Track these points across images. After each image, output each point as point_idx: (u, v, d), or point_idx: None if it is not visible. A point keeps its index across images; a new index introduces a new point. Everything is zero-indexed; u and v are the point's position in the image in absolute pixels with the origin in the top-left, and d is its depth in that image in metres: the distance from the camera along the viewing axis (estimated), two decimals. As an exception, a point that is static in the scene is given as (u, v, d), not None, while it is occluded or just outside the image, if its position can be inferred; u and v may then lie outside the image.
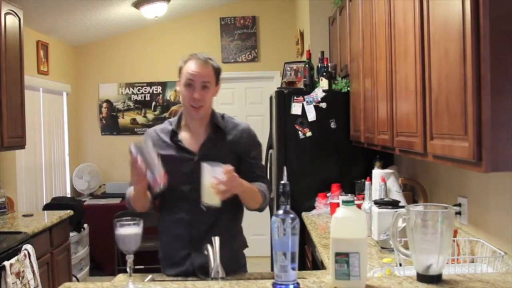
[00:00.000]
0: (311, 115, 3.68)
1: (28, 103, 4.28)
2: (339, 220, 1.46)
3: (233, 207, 2.02)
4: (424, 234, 1.44)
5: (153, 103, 6.27)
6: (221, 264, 1.73)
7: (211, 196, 1.80)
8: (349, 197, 1.95)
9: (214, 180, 1.76)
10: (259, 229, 5.30)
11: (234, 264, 2.04)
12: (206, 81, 2.00)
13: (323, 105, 3.68)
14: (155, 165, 1.79)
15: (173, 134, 2.06)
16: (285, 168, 1.52)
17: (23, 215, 3.98)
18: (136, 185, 1.88)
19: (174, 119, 2.12)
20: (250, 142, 2.11)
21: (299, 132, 3.68)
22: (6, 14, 3.73)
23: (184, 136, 2.07)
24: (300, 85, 4.20)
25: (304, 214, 3.52)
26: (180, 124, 2.10)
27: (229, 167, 1.80)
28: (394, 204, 2.56)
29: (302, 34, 5.31)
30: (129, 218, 1.50)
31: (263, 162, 2.74)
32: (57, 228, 3.90)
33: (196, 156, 2.01)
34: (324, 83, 3.79)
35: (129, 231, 1.48)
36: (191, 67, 2.00)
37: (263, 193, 2.03)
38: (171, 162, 1.97)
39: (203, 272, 1.93)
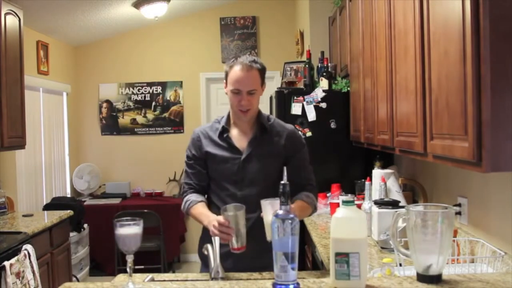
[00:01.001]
0: (311, 115, 3.68)
1: (28, 103, 4.28)
2: (339, 220, 1.46)
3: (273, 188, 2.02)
4: (424, 234, 1.44)
5: (153, 103, 6.27)
6: (264, 260, 1.80)
7: None
8: (349, 197, 1.95)
9: None
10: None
11: (271, 261, 2.02)
12: (252, 89, 2.05)
13: (323, 105, 3.68)
14: (242, 236, 1.84)
15: (224, 130, 2.14)
16: (285, 168, 1.53)
17: (23, 215, 3.98)
18: (214, 236, 1.86)
19: (222, 118, 2.20)
20: (295, 144, 2.17)
21: (299, 132, 3.68)
22: (6, 14, 3.73)
23: (233, 133, 2.16)
24: (300, 85, 4.20)
25: (304, 214, 3.51)
26: (230, 122, 2.18)
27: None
28: (394, 204, 2.56)
29: (302, 34, 5.31)
30: (129, 218, 1.50)
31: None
32: (57, 228, 3.90)
33: (242, 155, 2.10)
34: (324, 83, 3.79)
35: (129, 231, 1.48)
36: (237, 75, 2.05)
37: (312, 204, 2.14)
38: (218, 161, 2.10)
39: (240, 267, 1.96)
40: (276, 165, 2.08)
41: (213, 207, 2.13)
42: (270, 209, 1.78)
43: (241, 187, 2.08)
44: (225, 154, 2.11)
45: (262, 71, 2.11)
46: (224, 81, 2.14)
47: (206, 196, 2.20)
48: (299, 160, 2.16)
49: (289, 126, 2.22)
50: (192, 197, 2.13)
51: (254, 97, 2.07)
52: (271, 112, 4.26)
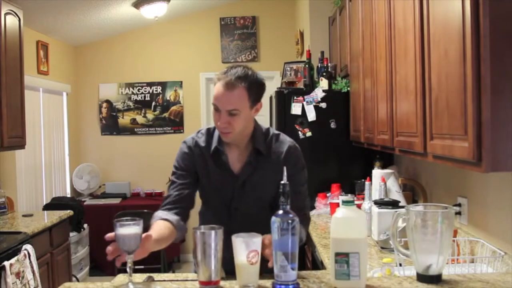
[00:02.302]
0: (311, 115, 3.68)
1: (28, 103, 4.28)
2: (339, 220, 1.46)
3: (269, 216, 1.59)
4: (424, 234, 1.44)
5: (153, 103, 6.27)
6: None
7: (247, 275, 1.46)
8: (349, 197, 1.95)
9: (251, 254, 1.44)
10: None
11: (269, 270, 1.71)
12: (231, 109, 1.78)
13: (323, 105, 3.68)
14: (209, 265, 1.44)
15: (217, 151, 1.91)
16: (285, 168, 1.52)
17: (23, 215, 3.98)
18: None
19: (214, 131, 1.94)
20: (290, 164, 1.77)
21: (299, 132, 3.68)
22: (6, 14, 3.73)
23: (227, 152, 1.92)
24: (300, 85, 4.20)
25: (304, 214, 3.51)
26: (222, 139, 1.90)
27: (266, 238, 1.50)
28: (394, 204, 2.56)
29: (302, 34, 5.31)
30: (129, 218, 1.50)
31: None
32: (57, 228, 3.90)
33: (238, 181, 1.90)
34: (324, 83, 3.79)
35: (129, 231, 1.48)
36: (217, 91, 1.79)
37: (299, 237, 1.75)
38: (210, 186, 1.93)
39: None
40: (273, 194, 1.86)
41: (206, 223, 1.87)
42: (243, 248, 1.44)
43: (233, 216, 1.91)
44: (218, 180, 1.91)
45: (252, 88, 1.80)
46: None
47: (187, 215, 1.91)
48: (293, 184, 1.69)
49: (287, 145, 1.93)
50: (160, 213, 1.83)
51: (235, 119, 1.79)
52: (271, 113, 4.25)
